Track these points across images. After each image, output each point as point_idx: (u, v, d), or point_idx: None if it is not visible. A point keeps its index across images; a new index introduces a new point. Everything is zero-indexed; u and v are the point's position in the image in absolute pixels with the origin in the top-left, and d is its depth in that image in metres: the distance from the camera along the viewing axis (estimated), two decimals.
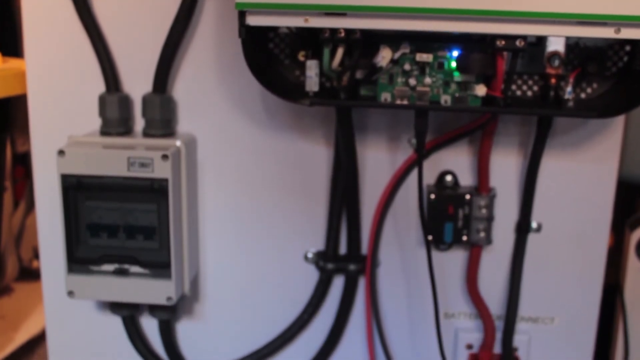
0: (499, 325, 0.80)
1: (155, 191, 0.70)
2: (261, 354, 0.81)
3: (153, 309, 0.79)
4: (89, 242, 0.73)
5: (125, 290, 0.73)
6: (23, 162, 1.49)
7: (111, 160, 0.70)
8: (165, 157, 0.69)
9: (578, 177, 0.76)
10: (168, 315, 0.79)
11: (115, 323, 0.82)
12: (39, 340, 1.42)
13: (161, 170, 0.70)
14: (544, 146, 0.73)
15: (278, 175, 0.77)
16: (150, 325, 0.82)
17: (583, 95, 0.71)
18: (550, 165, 0.75)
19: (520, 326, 0.80)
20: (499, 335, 0.80)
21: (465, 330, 0.81)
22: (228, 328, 0.82)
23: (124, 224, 0.72)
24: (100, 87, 0.75)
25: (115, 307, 0.79)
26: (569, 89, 0.67)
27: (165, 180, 0.70)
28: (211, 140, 0.77)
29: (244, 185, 0.78)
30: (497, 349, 0.80)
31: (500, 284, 0.79)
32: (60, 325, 0.83)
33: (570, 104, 0.67)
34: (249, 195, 0.78)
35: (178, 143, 0.72)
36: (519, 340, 0.80)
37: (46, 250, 0.81)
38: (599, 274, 0.79)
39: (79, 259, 0.73)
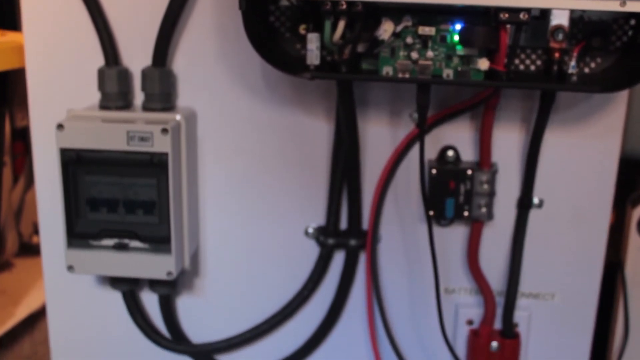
0: (500, 301, 0.80)
1: (155, 165, 0.70)
2: (261, 329, 0.81)
3: (153, 284, 0.79)
4: (89, 217, 0.73)
5: (125, 265, 0.73)
6: (22, 137, 1.49)
7: (110, 135, 0.70)
8: (165, 131, 0.69)
9: (580, 152, 0.75)
10: (168, 290, 0.79)
11: (115, 298, 0.81)
12: (39, 315, 1.42)
13: (161, 144, 0.69)
14: (547, 121, 0.72)
15: (278, 149, 0.77)
16: (150, 300, 0.82)
17: (587, 70, 0.70)
18: (553, 140, 0.75)
19: (521, 302, 0.80)
20: (499, 311, 0.80)
21: (466, 306, 0.81)
22: (228, 303, 0.82)
23: (124, 198, 0.72)
24: (99, 60, 0.74)
25: (115, 282, 0.79)
26: (572, 63, 0.66)
27: (165, 155, 0.69)
28: (211, 114, 0.76)
29: (244, 160, 0.77)
30: (497, 324, 0.80)
31: (501, 260, 0.79)
32: (61, 300, 0.83)
33: (574, 78, 0.66)
34: (249, 170, 0.77)
35: (178, 117, 0.72)
36: (519, 316, 0.80)
37: (46, 225, 0.80)
38: (600, 251, 0.79)
39: (79, 234, 0.73)
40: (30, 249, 1.58)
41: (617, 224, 0.86)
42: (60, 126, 0.70)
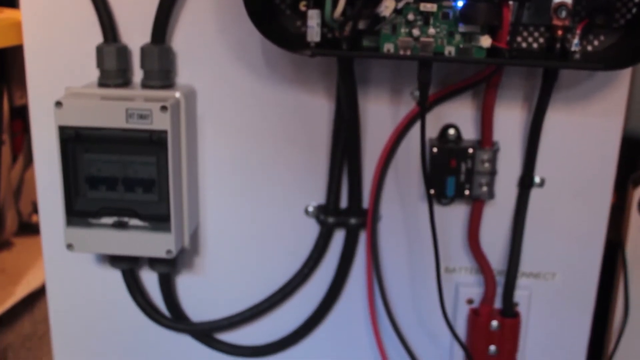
0: (500, 280, 0.80)
1: (154, 143, 0.69)
2: (261, 308, 0.81)
3: (153, 263, 0.79)
4: (88, 195, 0.72)
5: (125, 243, 0.73)
6: (21, 115, 1.48)
7: (109, 112, 0.69)
8: (164, 108, 0.68)
9: (582, 131, 0.75)
10: (168, 269, 0.79)
11: (115, 277, 0.81)
12: (39, 294, 1.42)
13: (160, 121, 0.69)
14: (549, 100, 0.72)
15: (278, 128, 0.76)
16: (150, 279, 0.82)
17: (589, 48, 0.69)
18: (555, 119, 0.74)
19: (521, 281, 0.80)
20: (499, 291, 0.80)
21: (466, 285, 0.81)
22: (228, 281, 0.82)
23: (123, 176, 0.72)
24: (97, 37, 0.73)
25: (114, 260, 0.79)
26: (575, 41, 0.65)
27: (165, 132, 0.69)
28: (211, 92, 0.75)
29: (244, 138, 0.77)
30: (497, 304, 0.80)
31: (502, 239, 0.79)
32: (60, 279, 0.83)
33: (577, 56, 0.66)
34: (249, 148, 0.77)
35: (177, 94, 0.71)
36: (519, 295, 0.80)
37: (45, 203, 0.80)
38: (601, 230, 0.78)
39: (78, 212, 0.73)
40: (30, 228, 1.58)
41: (618, 204, 0.86)
42: (58, 104, 0.69)
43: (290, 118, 0.76)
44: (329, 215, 0.77)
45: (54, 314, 0.85)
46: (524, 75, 0.73)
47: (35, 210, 1.58)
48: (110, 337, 0.85)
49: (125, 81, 0.74)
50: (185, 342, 0.84)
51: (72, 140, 0.70)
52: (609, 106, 0.74)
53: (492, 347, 0.80)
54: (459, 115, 0.75)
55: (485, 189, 0.75)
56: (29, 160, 1.53)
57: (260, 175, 0.78)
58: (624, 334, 0.87)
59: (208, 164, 0.78)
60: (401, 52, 0.66)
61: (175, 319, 0.82)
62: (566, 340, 0.83)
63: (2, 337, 1.37)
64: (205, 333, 0.83)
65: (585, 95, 0.74)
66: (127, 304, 0.82)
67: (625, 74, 0.73)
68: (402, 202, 0.78)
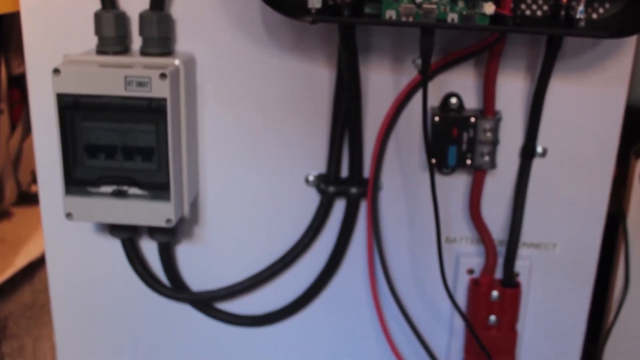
0: (501, 250, 0.79)
1: (153, 111, 0.69)
2: (261, 277, 0.81)
3: (152, 232, 0.78)
4: (87, 164, 0.72)
5: (124, 212, 0.73)
6: (19, 84, 1.47)
7: (108, 79, 0.68)
8: (163, 75, 0.67)
9: (586, 101, 0.74)
10: (167, 238, 0.79)
11: (114, 246, 0.81)
12: (39, 264, 1.43)
13: (159, 89, 0.68)
14: (553, 68, 0.71)
15: (279, 96, 0.75)
16: (149, 248, 0.82)
17: (595, 16, 0.68)
18: (558, 88, 0.74)
19: (522, 252, 0.80)
20: (500, 261, 0.80)
21: (467, 255, 0.80)
22: (228, 251, 0.81)
23: (122, 144, 0.71)
24: (95, 4, 0.72)
25: (114, 229, 0.78)
26: (580, 8, 0.64)
27: (164, 100, 0.68)
28: (210, 59, 0.75)
29: (243, 106, 0.76)
30: (498, 274, 0.80)
31: (503, 209, 0.78)
32: (60, 248, 0.83)
33: (582, 24, 0.65)
34: (249, 117, 0.76)
35: (176, 62, 0.70)
36: (520, 265, 0.80)
37: (44, 172, 0.79)
38: (603, 201, 0.78)
39: (77, 181, 0.72)
40: (29, 198, 1.58)
41: (620, 176, 0.85)
42: (56, 71, 0.68)
43: (291, 86, 0.75)
44: (329, 185, 0.77)
45: (54, 284, 0.85)
46: (527, 43, 0.73)
47: (34, 180, 1.57)
48: (110, 306, 0.85)
49: (123, 48, 0.73)
50: (185, 312, 0.84)
51: (71, 108, 0.69)
52: (613, 76, 0.73)
53: (492, 317, 0.80)
54: (461, 84, 0.74)
55: (487, 158, 0.74)
56: (27, 130, 1.53)
57: (260, 144, 0.77)
58: (624, 306, 0.87)
59: (208, 133, 0.77)
60: (403, 19, 0.65)
61: (175, 288, 0.82)
62: (566, 311, 0.83)
63: (2, 307, 1.37)
64: (205, 302, 0.83)
65: (589, 64, 0.73)
66: (127, 273, 0.82)
67: (630, 43, 0.72)
68: (403, 171, 0.78)
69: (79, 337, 0.87)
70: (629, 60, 0.73)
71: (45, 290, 0.86)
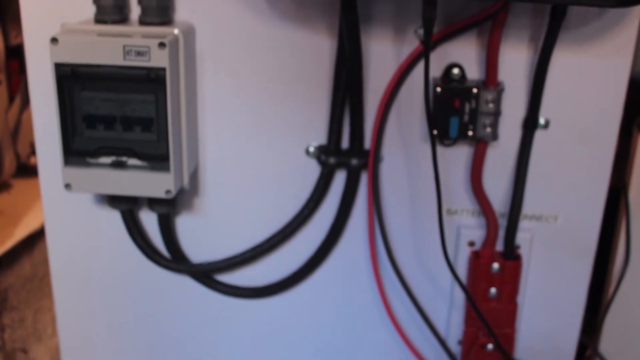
0: (502, 222, 0.79)
1: (152, 81, 0.68)
2: (261, 249, 0.81)
3: (152, 203, 0.78)
4: (86, 134, 0.71)
5: (123, 183, 0.72)
6: (17, 55, 1.46)
7: (106, 49, 0.68)
8: (162, 45, 0.67)
9: (589, 72, 0.74)
10: (167, 209, 0.78)
11: (114, 217, 0.81)
12: (39, 235, 1.43)
13: (158, 59, 0.67)
14: (556, 39, 0.70)
15: (279, 66, 0.75)
16: (149, 220, 0.82)
17: None
18: (561, 59, 0.73)
19: (523, 224, 0.80)
20: (501, 233, 0.79)
21: (468, 227, 0.80)
22: (228, 222, 0.81)
23: (121, 115, 0.70)
24: None
25: (113, 200, 0.78)
26: None
27: (163, 70, 0.67)
28: (210, 29, 0.74)
29: (244, 77, 0.75)
30: (499, 246, 0.80)
31: (505, 181, 0.78)
32: (59, 220, 0.83)
33: None
34: (249, 87, 0.76)
35: (176, 31, 0.70)
36: (521, 238, 0.80)
37: (42, 144, 0.79)
38: (605, 173, 0.78)
39: (76, 151, 0.72)
40: (28, 170, 1.58)
41: (622, 149, 0.85)
42: (54, 40, 0.67)
43: (291, 56, 0.74)
44: (330, 156, 0.77)
45: (54, 255, 0.85)
46: (531, 13, 0.72)
47: (33, 151, 1.57)
48: (109, 278, 0.85)
49: (122, 17, 0.72)
50: (185, 283, 0.84)
51: (69, 78, 0.69)
52: (618, 47, 0.72)
53: (493, 290, 0.80)
54: (463, 55, 0.74)
55: (489, 130, 0.74)
56: (26, 101, 1.52)
57: (260, 115, 0.77)
58: (624, 279, 0.87)
59: (207, 103, 0.76)
60: None
61: (175, 259, 0.82)
62: (567, 284, 0.83)
63: (2, 279, 1.38)
64: (205, 274, 0.83)
65: (593, 35, 0.72)
66: (127, 244, 0.82)
67: (635, 13, 0.71)
68: (404, 142, 0.77)
69: (79, 308, 0.87)
70: (634, 31, 0.72)
71: (45, 262, 0.86)
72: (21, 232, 1.41)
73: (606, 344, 0.89)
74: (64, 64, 0.68)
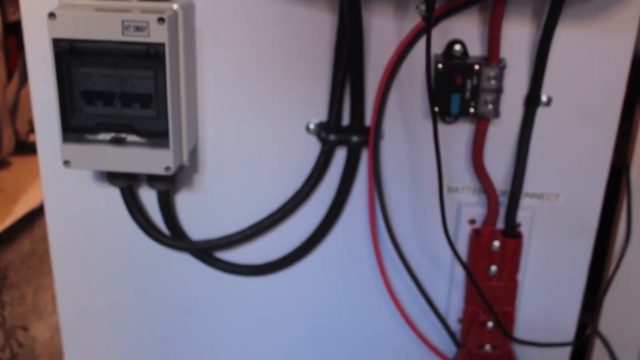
0: (503, 200, 0.79)
1: (151, 57, 0.68)
2: (261, 226, 0.81)
3: (151, 180, 0.78)
4: (84, 110, 0.71)
5: (122, 160, 0.72)
6: (15, 31, 1.45)
7: (105, 24, 0.67)
8: (161, 20, 0.66)
9: (592, 49, 0.73)
10: (167, 186, 0.78)
11: (113, 195, 0.80)
12: (38, 213, 1.42)
13: (157, 34, 0.66)
14: (559, 15, 0.69)
15: (279, 42, 0.74)
16: (149, 197, 0.81)
17: None
18: (564, 36, 0.72)
19: (524, 202, 0.79)
20: (502, 211, 0.79)
21: (469, 205, 0.80)
22: (228, 200, 0.81)
23: (120, 91, 0.70)
24: None
25: (112, 177, 0.78)
26: None
27: (162, 45, 0.67)
28: (210, 4, 0.73)
29: (244, 53, 0.75)
30: (499, 224, 0.80)
31: (506, 159, 0.78)
32: (58, 197, 0.82)
33: None
34: (249, 64, 0.75)
35: (175, 6, 0.69)
36: (522, 216, 0.79)
37: (41, 120, 0.79)
38: (607, 151, 0.77)
39: (74, 128, 0.71)
40: (27, 147, 1.57)
41: (623, 128, 0.84)
42: (52, 15, 0.67)
43: (292, 32, 0.74)
44: (330, 133, 0.76)
45: (53, 233, 0.85)
46: None
47: (32, 129, 1.56)
48: (109, 255, 0.85)
49: None
50: (185, 261, 0.84)
51: (67, 53, 0.68)
52: (621, 23, 0.72)
53: (493, 268, 0.80)
54: (465, 31, 0.73)
55: (490, 107, 0.73)
56: (24, 78, 1.51)
57: (260, 91, 0.76)
58: (624, 257, 0.86)
59: (207, 80, 0.76)
60: None
61: (174, 237, 0.82)
62: (567, 262, 0.83)
63: (2, 256, 1.37)
64: (205, 251, 0.83)
65: (597, 11, 0.71)
66: (126, 222, 0.81)
67: None
68: (405, 119, 0.77)
69: (78, 286, 0.87)
70: (638, 8, 0.71)
71: (44, 239, 0.86)
72: (20, 209, 1.41)
73: (606, 322, 0.89)
74: (62, 39, 0.68)
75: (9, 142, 1.53)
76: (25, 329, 1.46)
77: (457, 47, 0.73)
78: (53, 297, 1.50)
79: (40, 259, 1.48)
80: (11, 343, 1.42)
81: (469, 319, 0.83)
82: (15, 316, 1.43)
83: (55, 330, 1.54)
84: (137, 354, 0.90)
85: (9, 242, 1.38)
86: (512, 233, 0.79)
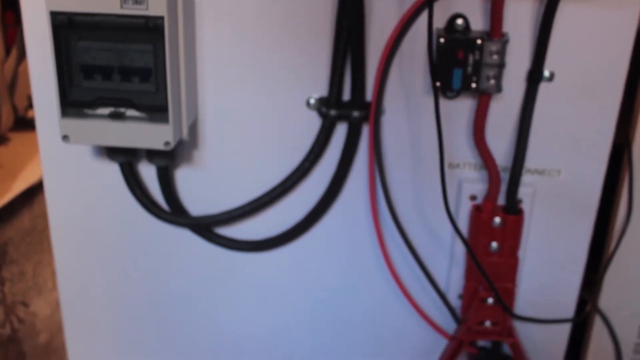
0: (504, 176, 0.78)
1: (150, 30, 0.67)
2: (261, 202, 0.80)
3: (151, 155, 0.77)
4: (83, 85, 0.70)
5: (122, 135, 0.71)
6: (12, 6, 1.44)
7: None
8: None
9: (596, 24, 0.72)
10: (166, 162, 0.78)
11: (113, 170, 0.80)
12: (38, 189, 1.42)
13: (156, 7, 0.66)
14: None
15: (280, 16, 0.73)
16: (148, 172, 0.81)
17: None
18: (568, 10, 0.71)
19: (526, 178, 0.79)
20: (503, 187, 0.79)
21: (469, 181, 0.80)
22: (228, 175, 0.80)
23: (119, 65, 0.69)
24: None
25: (112, 153, 0.77)
26: None
27: (161, 18, 0.66)
28: None
29: (244, 27, 0.74)
30: (500, 200, 0.79)
31: (508, 135, 0.77)
32: (57, 173, 0.82)
33: None
34: (249, 38, 0.74)
35: None
36: (523, 192, 0.79)
37: (39, 95, 0.78)
38: (609, 128, 0.77)
39: (73, 102, 0.71)
40: (26, 123, 1.57)
41: (625, 105, 0.84)
42: None
43: (292, 6, 0.73)
44: (330, 108, 0.75)
45: (52, 209, 0.84)
46: None
47: (31, 105, 1.56)
48: (109, 231, 0.85)
49: None
50: (185, 236, 0.84)
51: (65, 27, 0.68)
52: None
53: (494, 244, 0.80)
54: (467, 5, 0.72)
55: (492, 82, 0.73)
56: (23, 54, 1.50)
57: (260, 66, 0.75)
58: (625, 235, 0.86)
59: (207, 54, 0.75)
60: None
61: (174, 212, 0.82)
62: (568, 238, 0.82)
63: (1, 232, 1.37)
64: (205, 227, 0.83)
65: None
66: (126, 197, 0.81)
67: None
68: (406, 95, 0.76)
69: (78, 262, 0.87)
70: None
71: (44, 215, 0.86)
72: (20, 185, 1.40)
73: (606, 299, 0.89)
74: (60, 12, 0.67)
75: (7, 118, 1.53)
76: (25, 305, 1.47)
77: (459, 21, 0.72)
78: (53, 273, 1.50)
79: (40, 235, 1.48)
80: (11, 319, 1.42)
81: (469, 295, 0.83)
82: (15, 292, 1.43)
83: (56, 306, 1.54)
84: (137, 330, 0.91)
85: (8, 218, 1.38)
86: (513, 209, 0.79)
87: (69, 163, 0.81)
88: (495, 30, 0.71)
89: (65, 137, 0.72)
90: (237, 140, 0.79)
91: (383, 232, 0.82)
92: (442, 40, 0.71)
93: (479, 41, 0.71)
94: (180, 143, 0.75)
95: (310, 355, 0.91)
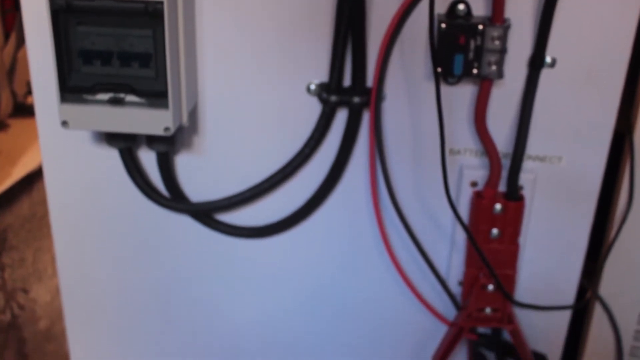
0: (505, 163, 0.78)
1: (150, 15, 0.66)
2: (261, 188, 0.80)
3: (151, 141, 0.77)
4: (82, 70, 0.70)
5: (121, 120, 0.71)
6: None
7: None
8: None
9: (598, 9, 0.72)
10: (166, 148, 0.77)
11: (112, 156, 0.80)
12: (37, 175, 1.42)
13: None
14: None
15: (280, 1, 0.73)
16: (148, 158, 0.81)
17: None
18: None
19: (527, 164, 0.79)
20: (504, 174, 0.79)
21: (470, 168, 0.79)
22: (228, 161, 0.80)
23: (118, 50, 0.69)
24: None
25: (111, 138, 0.77)
26: None
27: (161, 3, 0.66)
28: None
29: (244, 12, 0.74)
30: (501, 187, 0.79)
31: (509, 121, 0.77)
32: (57, 159, 0.82)
33: None
34: (249, 23, 0.74)
35: None
36: (524, 178, 0.79)
37: (38, 81, 0.78)
38: (611, 114, 0.77)
39: (72, 88, 0.70)
40: (25, 109, 1.57)
41: (627, 92, 0.83)
42: None
43: None
44: (331, 94, 0.75)
45: (52, 195, 0.84)
46: None
47: (30, 91, 1.55)
48: (109, 217, 0.85)
49: None
50: (185, 223, 0.84)
51: (64, 12, 0.67)
52: None
53: (495, 230, 0.80)
54: None
55: (494, 67, 0.72)
56: (22, 39, 1.50)
57: (260, 51, 0.75)
58: (625, 223, 0.86)
59: (207, 39, 0.75)
60: None
61: (174, 198, 0.82)
62: (569, 225, 0.82)
63: (1, 219, 1.37)
64: (205, 213, 0.83)
65: None
66: (125, 183, 0.81)
67: None
68: (407, 80, 0.76)
69: (78, 248, 0.87)
70: None
71: (44, 201, 0.86)
72: (19, 171, 1.40)
73: (606, 287, 0.89)
74: None
75: (6, 104, 1.52)
76: (25, 291, 1.47)
77: (461, 6, 0.72)
78: (53, 260, 1.50)
79: (40, 222, 1.48)
80: (12, 305, 1.42)
81: (470, 281, 0.83)
82: (15, 278, 1.44)
83: (56, 292, 1.55)
84: (137, 316, 0.91)
85: (7, 204, 1.38)
86: (514, 196, 0.79)
87: (68, 149, 0.81)
88: (497, 16, 0.71)
89: (64, 123, 0.71)
90: (237, 126, 0.78)
91: (383, 218, 0.82)
92: (443, 25, 0.71)
93: (480, 27, 0.71)
94: (180, 129, 0.75)
95: (310, 341, 0.91)
